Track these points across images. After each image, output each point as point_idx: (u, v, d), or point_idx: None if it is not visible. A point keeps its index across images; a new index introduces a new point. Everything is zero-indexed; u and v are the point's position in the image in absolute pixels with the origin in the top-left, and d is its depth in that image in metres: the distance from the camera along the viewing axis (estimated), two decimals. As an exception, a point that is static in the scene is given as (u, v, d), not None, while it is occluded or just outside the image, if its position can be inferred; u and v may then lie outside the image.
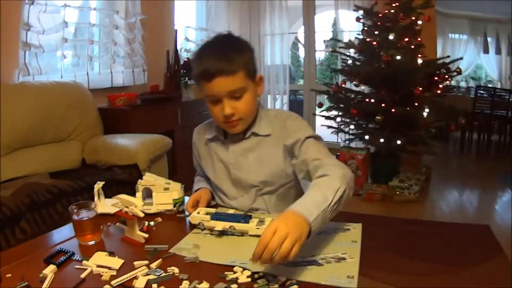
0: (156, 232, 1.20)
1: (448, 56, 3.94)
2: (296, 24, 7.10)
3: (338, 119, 4.02)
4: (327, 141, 5.39)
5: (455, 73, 3.82)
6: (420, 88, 3.45)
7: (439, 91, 3.75)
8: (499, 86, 7.46)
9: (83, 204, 1.15)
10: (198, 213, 1.21)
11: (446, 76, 3.75)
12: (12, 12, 2.68)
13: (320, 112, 4.16)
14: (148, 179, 1.36)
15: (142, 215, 1.12)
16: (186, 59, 3.93)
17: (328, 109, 4.03)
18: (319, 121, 4.38)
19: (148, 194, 1.38)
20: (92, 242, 1.11)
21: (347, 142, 4.18)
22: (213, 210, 1.23)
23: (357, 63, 3.92)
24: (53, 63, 3.08)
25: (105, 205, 1.36)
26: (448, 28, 7.95)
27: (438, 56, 4.65)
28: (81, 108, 2.85)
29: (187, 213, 1.30)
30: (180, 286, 0.87)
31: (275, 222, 0.89)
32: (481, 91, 6.19)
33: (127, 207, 1.14)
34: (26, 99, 2.51)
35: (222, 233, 1.15)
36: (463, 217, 3.31)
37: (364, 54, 3.85)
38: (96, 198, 1.34)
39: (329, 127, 4.18)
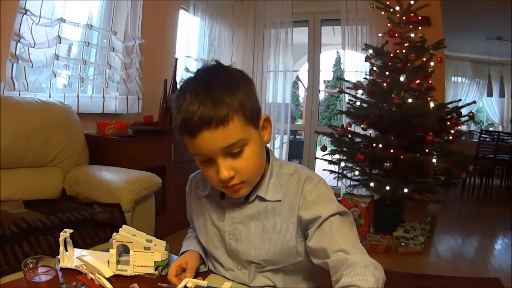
0: None
1: (460, 100, 3.77)
2: (298, 62, 6.96)
3: (342, 163, 3.78)
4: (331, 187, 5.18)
5: (467, 118, 3.62)
6: (432, 134, 3.25)
7: (450, 137, 3.55)
8: (500, 129, 7.42)
9: (42, 258, 0.91)
10: (185, 286, 0.93)
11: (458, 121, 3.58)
12: (4, 20, 2.47)
13: (323, 155, 3.92)
14: (125, 234, 1.09)
15: (110, 287, 0.85)
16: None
17: (332, 152, 3.79)
18: (321, 164, 4.14)
19: (125, 249, 1.11)
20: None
21: (350, 188, 3.92)
22: (204, 283, 0.96)
23: (364, 105, 3.71)
24: (42, 80, 2.84)
25: (72, 258, 1.11)
26: (451, 70, 7.94)
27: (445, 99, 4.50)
28: (67, 133, 2.59)
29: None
30: None
31: None
32: (484, 135, 6.09)
33: (92, 274, 0.88)
34: (6, 115, 2.24)
35: None
36: (471, 268, 3.12)
37: (373, 96, 3.65)
38: (61, 248, 1.09)
39: (332, 171, 3.93)
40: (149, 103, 3.66)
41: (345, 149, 3.72)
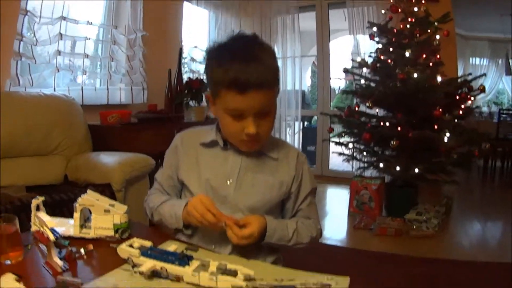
0: (86, 262, 0.97)
1: (470, 74, 3.61)
2: (313, 49, 6.90)
3: (351, 145, 3.69)
4: (338, 170, 5.22)
5: (478, 91, 3.47)
6: (440, 109, 3.14)
7: (461, 112, 3.43)
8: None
9: (8, 217, 0.99)
10: (132, 245, 0.94)
11: (469, 96, 3.43)
12: (6, 21, 2.59)
13: (331, 137, 3.85)
14: (87, 198, 1.11)
15: (52, 238, 0.89)
16: (188, 79, 3.70)
17: (340, 134, 3.72)
18: (333, 148, 4.08)
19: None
20: (8, 262, 0.95)
21: (360, 170, 3.85)
22: (149, 243, 0.96)
23: (372, 84, 3.63)
24: (46, 75, 2.93)
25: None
26: (468, 51, 7.70)
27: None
28: (68, 123, 2.69)
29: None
30: None
31: (256, 231, 1.02)
32: (504, 115, 5.84)
33: (42, 227, 0.91)
34: (10, 109, 2.37)
35: (155, 274, 0.88)
36: (487, 254, 2.91)
37: (378, 73, 3.57)
38: (33, 213, 1.13)
39: (341, 154, 3.85)
40: (155, 93, 3.70)
41: (354, 130, 3.64)
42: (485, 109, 7.59)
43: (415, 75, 3.16)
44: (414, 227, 3.27)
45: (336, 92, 8.67)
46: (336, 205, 4.10)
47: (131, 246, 0.93)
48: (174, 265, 0.86)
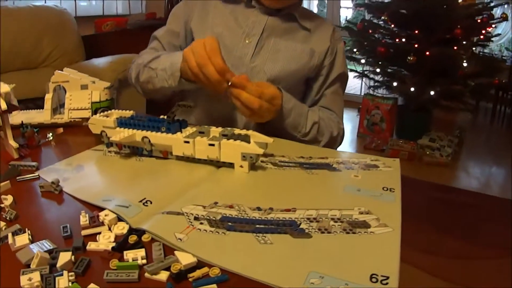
0: (54, 148, 0.79)
1: (491, 1, 3.31)
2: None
3: (363, 61, 3.42)
4: (346, 93, 4.91)
5: (500, 19, 3.22)
6: (460, 29, 2.90)
7: (481, 37, 3.18)
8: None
9: None
10: (107, 116, 0.74)
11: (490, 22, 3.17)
12: None
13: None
14: (61, 72, 0.91)
15: (4, 106, 0.70)
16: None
17: (351, 50, 3.44)
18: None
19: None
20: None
21: (371, 89, 3.60)
22: (130, 112, 0.76)
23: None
24: None
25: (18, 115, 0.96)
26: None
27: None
28: (58, 33, 2.57)
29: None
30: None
31: (279, 95, 0.82)
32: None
33: None
34: None
35: (134, 152, 0.69)
36: (503, 191, 2.73)
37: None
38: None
39: (352, 70, 3.58)
40: (154, 3, 3.48)
41: (366, 47, 3.37)
42: (497, 52, 7.18)
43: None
44: (427, 153, 3.14)
45: (343, 22, 8.24)
46: (345, 127, 3.91)
47: (107, 117, 0.74)
48: (160, 133, 0.66)
